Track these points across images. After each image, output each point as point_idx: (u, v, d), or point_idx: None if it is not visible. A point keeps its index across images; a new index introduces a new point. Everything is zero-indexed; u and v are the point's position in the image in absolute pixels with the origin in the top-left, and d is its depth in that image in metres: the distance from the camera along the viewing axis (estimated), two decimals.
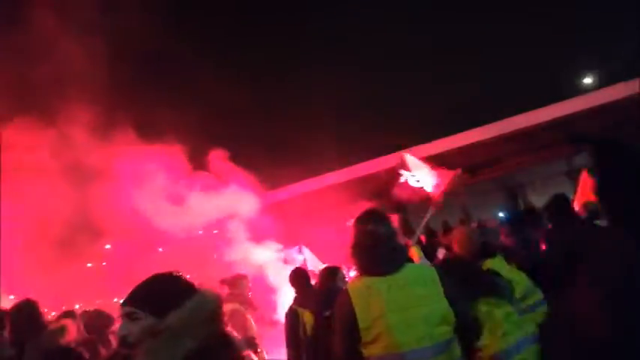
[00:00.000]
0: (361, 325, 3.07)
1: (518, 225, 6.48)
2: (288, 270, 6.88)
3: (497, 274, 3.90)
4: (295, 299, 5.81)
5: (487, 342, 3.58)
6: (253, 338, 4.83)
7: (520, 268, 4.37)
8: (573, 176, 12.61)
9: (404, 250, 3.49)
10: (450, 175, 6.54)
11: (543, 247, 5.75)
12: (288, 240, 9.71)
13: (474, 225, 9.19)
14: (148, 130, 10.47)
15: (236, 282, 6.87)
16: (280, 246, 9.22)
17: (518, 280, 4.12)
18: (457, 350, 3.10)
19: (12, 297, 8.37)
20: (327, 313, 5.25)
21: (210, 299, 2.37)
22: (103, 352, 4.58)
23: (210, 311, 2.39)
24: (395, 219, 3.67)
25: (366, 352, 3.07)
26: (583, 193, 6.83)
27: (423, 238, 8.53)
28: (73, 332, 3.42)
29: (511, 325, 3.62)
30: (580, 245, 4.21)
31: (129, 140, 10.05)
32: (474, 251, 4.27)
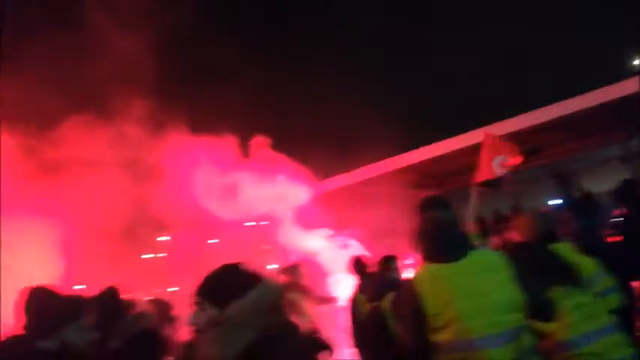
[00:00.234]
0: (429, 311, 3.09)
1: (578, 211, 6.29)
2: (341, 258, 6.94)
3: (565, 258, 3.83)
4: (356, 287, 5.88)
5: (554, 329, 3.52)
6: (313, 327, 4.92)
7: (586, 253, 4.26)
8: (628, 161, 12.08)
9: (469, 236, 3.48)
10: (518, 157, 6.36)
11: (606, 232, 5.58)
12: (339, 229, 9.78)
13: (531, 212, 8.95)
14: (200, 123, 10.73)
15: (293, 270, 7.00)
16: (332, 234, 9.30)
17: (586, 265, 4.02)
18: (527, 339, 3.07)
19: (81, 287, 8.81)
20: (376, 303, 5.28)
21: (272, 289, 2.42)
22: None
23: (272, 301, 2.41)
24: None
25: (435, 338, 3.09)
26: None
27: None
28: (154, 318, 3.62)
29: (581, 315, 3.54)
30: None
31: (182, 133, 10.35)
32: (539, 237, 4.19)
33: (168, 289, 11.26)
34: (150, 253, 12.83)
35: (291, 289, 6.04)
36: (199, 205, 10.15)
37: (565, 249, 4.14)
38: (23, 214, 8.39)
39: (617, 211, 4.94)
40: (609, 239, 5.45)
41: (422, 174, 13.69)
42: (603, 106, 11.07)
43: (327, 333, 5.65)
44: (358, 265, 6.03)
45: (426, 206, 3.40)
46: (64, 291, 3.26)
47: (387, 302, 5.38)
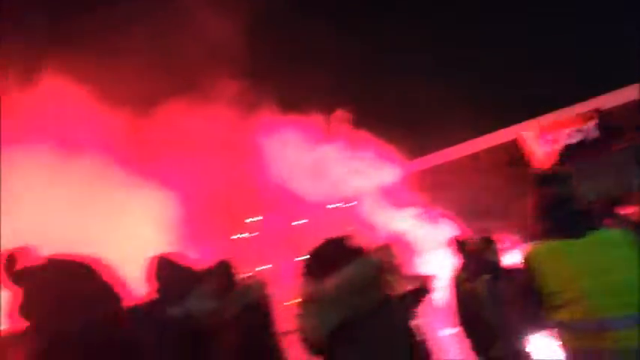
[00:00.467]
0: (547, 289, 2.95)
1: None
2: (433, 237, 6.82)
3: None
4: (457, 266, 5.78)
5: None
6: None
7: None
8: None
9: (589, 212, 3.27)
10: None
11: None
12: (429, 208, 9.61)
13: None
14: (289, 103, 10.87)
15: (384, 250, 6.96)
16: (422, 213, 9.15)
17: None
18: None
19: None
20: (473, 284, 5.16)
21: (368, 265, 2.35)
22: None
23: (368, 277, 2.33)
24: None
25: (554, 316, 2.95)
26: None
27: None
28: (263, 288, 3.78)
29: None
30: None
31: (272, 113, 10.56)
32: None
33: (258, 269, 11.62)
34: (239, 233, 13.27)
35: (385, 269, 6.01)
36: (289, 185, 10.35)
37: None
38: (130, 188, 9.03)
39: None
40: None
41: (513, 153, 13.10)
42: None
43: (424, 313, 5.61)
44: (459, 245, 5.91)
45: (544, 181, 3.24)
46: (185, 261, 3.42)
47: (482, 284, 5.27)
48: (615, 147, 12.25)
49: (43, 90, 9.64)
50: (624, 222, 5.14)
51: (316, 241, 2.89)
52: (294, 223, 12.18)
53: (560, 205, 3.13)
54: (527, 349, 4.75)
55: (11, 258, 1.19)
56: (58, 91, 9.59)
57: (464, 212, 9.05)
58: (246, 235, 12.66)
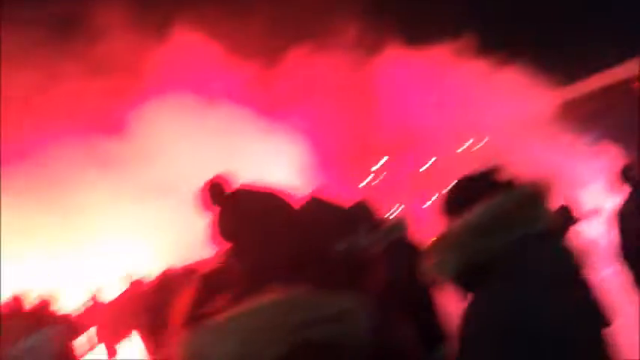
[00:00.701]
0: None
1: None
2: (593, 169, 6.11)
3: None
4: (625, 198, 5.14)
5: None
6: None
7: None
8: None
9: None
10: None
11: None
12: (580, 138, 8.67)
13: None
14: (413, 36, 10.30)
15: (533, 184, 6.39)
16: (577, 143, 8.27)
17: None
18: None
19: None
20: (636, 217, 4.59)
21: (516, 198, 2.01)
22: None
23: (511, 213, 1.98)
24: None
25: None
26: None
27: None
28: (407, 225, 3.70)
29: None
30: None
31: (397, 50, 10.14)
32: None
33: (393, 211, 11.55)
34: (365, 179, 13.26)
35: (532, 203, 5.51)
36: (417, 125, 9.98)
37: None
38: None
39: None
40: None
41: None
42: None
43: (590, 249, 5.11)
44: (623, 173, 5.19)
45: None
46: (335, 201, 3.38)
47: None
48: None
49: (180, 44, 10.25)
50: None
51: (452, 178, 2.60)
52: (423, 166, 11.84)
53: None
54: None
55: (217, 183, 1.22)
56: (193, 45, 10.16)
57: (624, 140, 8.01)
58: (372, 178, 12.63)
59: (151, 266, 7.17)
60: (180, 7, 10.52)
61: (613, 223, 4.99)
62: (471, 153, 10.25)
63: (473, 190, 2.65)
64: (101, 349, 6.29)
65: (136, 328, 6.28)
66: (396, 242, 3.78)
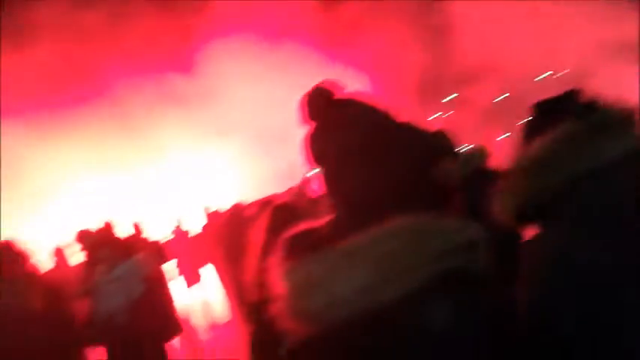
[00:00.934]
0: None
1: None
2: None
3: None
4: None
5: None
6: None
7: None
8: None
9: None
10: None
11: None
12: None
13: None
14: None
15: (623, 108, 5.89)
16: None
17: None
18: None
19: None
20: None
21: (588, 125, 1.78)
22: None
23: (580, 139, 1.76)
24: None
25: None
26: None
27: None
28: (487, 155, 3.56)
29: None
30: None
31: None
32: None
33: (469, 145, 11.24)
34: (438, 112, 12.87)
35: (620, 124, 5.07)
36: (493, 57, 9.43)
37: None
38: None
39: None
40: None
41: None
42: None
43: None
44: None
45: None
46: None
47: None
48: None
49: None
50: None
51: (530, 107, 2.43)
52: (496, 98, 11.30)
53: None
54: None
55: (322, 91, 0.99)
56: None
57: None
58: (441, 114, 12.25)
59: (225, 199, 7.48)
60: None
61: None
62: (550, 83, 9.62)
63: (547, 115, 2.50)
64: (181, 278, 6.68)
65: (212, 257, 6.63)
66: (476, 172, 3.66)
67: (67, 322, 2.88)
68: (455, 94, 12.30)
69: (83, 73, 9.98)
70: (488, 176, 3.60)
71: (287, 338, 0.88)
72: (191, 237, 6.91)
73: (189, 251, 6.54)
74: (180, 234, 6.82)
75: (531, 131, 2.56)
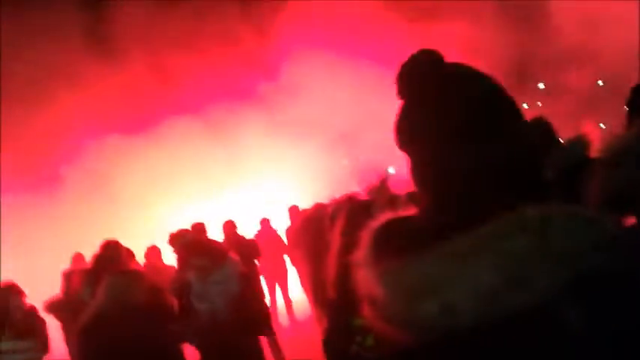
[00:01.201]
0: None
1: None
2: None
3: None
4: None
5: None
6: None
7: None
8: None
9: None
10: None
11: None
12: None
13: None
14: None
15: None
16: None
17: None
18: None
19: None
20: None
21: None
22: None
23: None
24: None
25: None
26: None
27: None
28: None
29: None
30: None
31: None
32: None
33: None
34: (526, 102, 12.30)
35: None
36: (589, 39, 8.82)
37: None
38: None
39: None
40: None
41: None
42: None
43: None
44: None
45: None
46: None
47: None
48: None
49: None
50: None
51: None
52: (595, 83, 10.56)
53: None
54: None
55: (419, 59, 0.86)
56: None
57: None
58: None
59: (307, 199, 7.61)
60: None
61: None
62: None
63: None
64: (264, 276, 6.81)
65: (294, 256, 6.75)
66: (578, 163, 3.43)
67: (166, 318, 3.08)
68: (543, 83, 11.70)
69: (167, 79, 10.61)
70: (588, 167, 3.37)
71: (382, 346, 0.79)
72: (274, 236, 7.08)
73: (273, 250, 6.70)
74: (264, 233, 7.01)
75: (631, 117, 2.37)
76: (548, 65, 10.62)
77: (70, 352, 4.51)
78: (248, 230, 6.81)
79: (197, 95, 10.47)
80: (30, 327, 3.81)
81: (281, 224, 7.37)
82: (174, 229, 5.02)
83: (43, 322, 3.99)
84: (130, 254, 4.28)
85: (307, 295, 6.32)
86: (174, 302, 3.55)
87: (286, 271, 7.02)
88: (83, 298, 3.63)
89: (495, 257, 0.70)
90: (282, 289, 6.99)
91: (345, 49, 10.49)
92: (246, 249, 5.01)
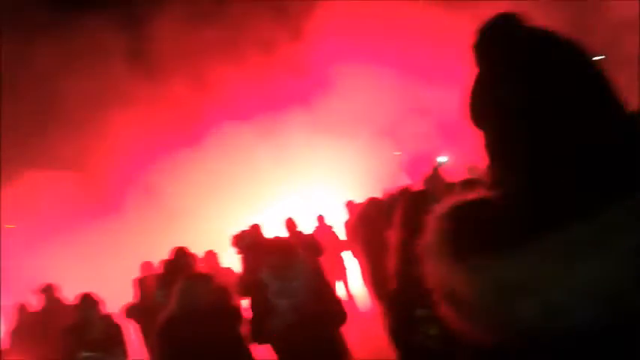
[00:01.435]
0: None
1: None
2: None
3: None
4: None
5: None
6: None
7: None
8: None
9: None
10: None
11: None
12: None
13: None
14: None
15: None
16: None
17: None
18: None
19: None
20: None
21: None
22: None
23: None
24: None
25: None
26: None
27: None
28: None
29: None
30: None
31: None
32: None
33: None
34: None
35: None
36: None
37: None
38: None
39: None
40: None
41: None
42: None
43: None
44: None
45: None
46: None
47: None
48: None
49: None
50: None
51: None
52: None
53: None
54: None
55: (501, 23, 0.75)
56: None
57: None
58: None
59: (361, 193, 7.62)
60: None
61: None
62: None
63: None
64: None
65: (353, 250, 6.77)
66: None
67: (234, 318, 3.18)
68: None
69: (211, 90, 10.88)
70: None
71: (454, 341, 0.72)
72: (330, 232, 7.13)
73: (332, 245, 6.74)
74: (320, 229, 7.06)
75: None
76: (605, 36, 10.07)
77: (148, 353, 4.74)
78: (305, 228, 6.89)
79: (242, 103, 10.68)
80: (109, 335, 4.02)
81: (336, 220, 7.41)
82: (233, 232, 5.17)
83: (120, 328, 4.17)
84: (196, 259, 4.45)
85: (367, 289, 6.33)
86: (240, 303, 3.65)
87: (345, 266, 7.05)
88: (157, 301, 3.80)
89: (611, 250, 0.60)
90: (343, 284, 7.00)
91: (383, 42, 10.43)
92: (309, 245, 5.05)
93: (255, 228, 5.18)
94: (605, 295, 0.60)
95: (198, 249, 5.64)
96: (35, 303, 5.74)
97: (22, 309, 5.81)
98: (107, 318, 4.16)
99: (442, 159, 11.34)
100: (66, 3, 11.22)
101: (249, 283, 3.25)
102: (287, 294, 2.84)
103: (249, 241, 4.31)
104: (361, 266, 6.48)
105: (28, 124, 9.74)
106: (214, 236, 6.84)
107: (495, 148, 0.73)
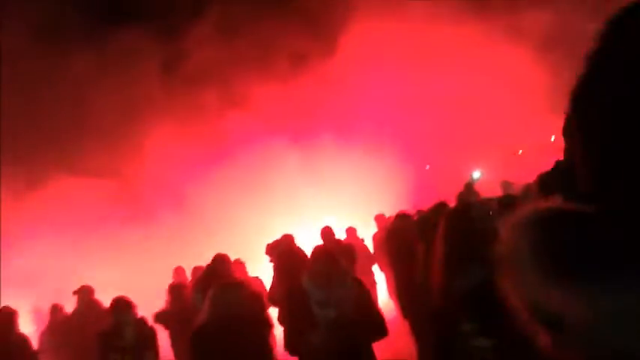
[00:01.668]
0: None
1: None
2: None
3: None
4: None
5: None
6: None
7: None
8: None
9: None
10: None
11: None
12: None
13: None
14: None
15: None
16: None
17: None
18: None
19: None
20: None
21: None
22: None
23: None
24: None
25: None
26: None
27: None
28: None
29: None
30: None
31: None
32: None
33: None
34: None
35: None
36: None
37: None
38: None
39: None
40: None
41: None
42: None
43: None
44: None
45: None
46: None
47: None
48: None
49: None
50: None
51: None
52: None
53: None
54: None
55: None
56: None
57: None
58: None
59: (391, 207, 7.60)
60: None
61: None
62: None
63: None
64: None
65: (381, 263, 6.72)
66: None
67: (265, 325, 3.20)
68: None
69: (244, 105, 11.07)
70: None
71: None
72: (360, 245, 7.09)
73: (363, 257, 6.71)
74: (353, 241, 7.03)
75: None
76: None
77: (178, 358, 4.78)
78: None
79: (274, 115, 10.80)
80: (141, 339, 4.05)
81: (366, 233, 7.39)
82: (269, 240, 5.20)
83: (154, 332, 4.22)
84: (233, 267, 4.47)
85: (393, 301, 6.27)
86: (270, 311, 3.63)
87: (374, 278, 7.01)
88: (195, 305, 3.83)
89: None
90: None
91: (415, 56, 10.44)
92: (348, 254, 5.00)
93: (288, 237, 5.19)
94: None
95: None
96: (69, 305, 5.86)
97: (55, 310, 5.94)
98: (140, 322, 4.19)
99: (476, 174, 11.22)
100: (103, 16, 11.66)
101: (286, 292, 3.19)
102: (332, 304, 2.76)
103: (283, 250, 4.30)
104: (387, 279, 6.39)
105: (65, 132, 10.02)
106: (244, 246, 6.89)
107: (611, 157, 0.62)
